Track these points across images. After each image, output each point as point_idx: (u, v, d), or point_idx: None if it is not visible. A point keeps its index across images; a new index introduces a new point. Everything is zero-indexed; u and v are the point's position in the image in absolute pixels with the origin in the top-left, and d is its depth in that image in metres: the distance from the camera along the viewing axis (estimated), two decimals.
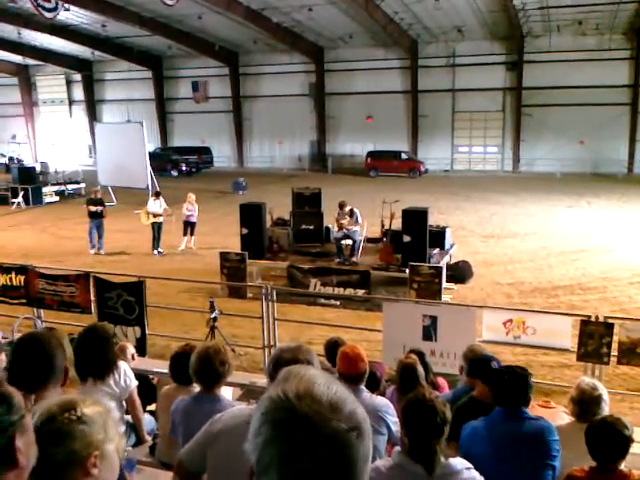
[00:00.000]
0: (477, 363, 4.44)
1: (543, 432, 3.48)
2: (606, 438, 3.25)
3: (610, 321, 6.61)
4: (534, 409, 4.47)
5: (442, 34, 35.82)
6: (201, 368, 3.52)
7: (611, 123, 34.41)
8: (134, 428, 4.60)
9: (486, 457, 2.90)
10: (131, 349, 5.37)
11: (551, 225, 19.66)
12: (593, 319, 6.64)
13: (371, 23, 32.61)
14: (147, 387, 5.34)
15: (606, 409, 4.00)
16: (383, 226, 13.24)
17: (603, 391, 4.08)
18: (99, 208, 16.31)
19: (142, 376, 5.24)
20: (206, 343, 4.59)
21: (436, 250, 12.72)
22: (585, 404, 3.98)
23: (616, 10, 29.65)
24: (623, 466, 3.28)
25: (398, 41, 36.22)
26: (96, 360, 3.96)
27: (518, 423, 3.48)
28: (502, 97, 37.83)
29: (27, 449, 1.29)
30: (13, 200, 25.99)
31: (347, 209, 13.22)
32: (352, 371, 3.89)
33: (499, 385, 3.64)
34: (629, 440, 3.27)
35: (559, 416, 4.45)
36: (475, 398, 4.16)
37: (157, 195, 16.64)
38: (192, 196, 16.64)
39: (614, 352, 6.52)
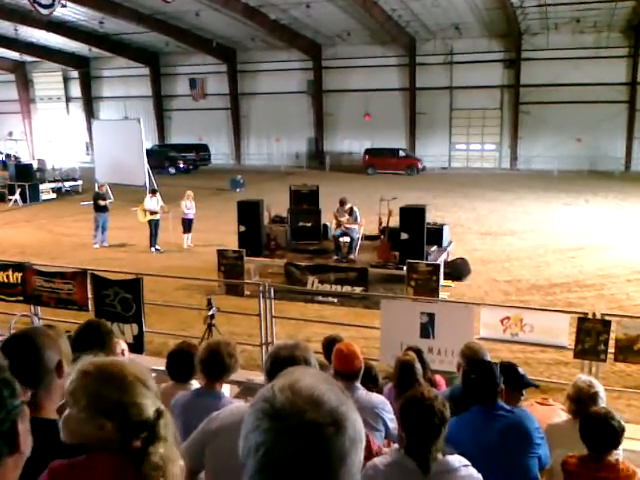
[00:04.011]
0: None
1: (523, 422, 3.48)
2: (598, 428, 3.35)
3: (607, 318, 6.61)
4: (532, 406, 4.48)
5: (440, 31, 35.82)
6: (209, 358, 3.52)
7: (608, 121, 34.45)
8: None
9: (472, 454, 2.90)
10: (122, 345, 5.29)
11: (549, 222, 19.69)
12: (590, 316, 6.65)
13: (369, 20, 32.62)
14: None
15: (602, 406, 4.01)
16: (381, 223, 13.24)
17: (599, 388, 4.09)
18: (107, 202, 17.17)
19: None
20: (216, 337, 4.58)
21: (434, 247, 12.74)
22: (582, 401, 3.99)
23: (614, 8, 29.69)
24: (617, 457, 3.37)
25: (396, 38, 36.21)
26: (93, 356, 3.93)
27: (498, 418, 3.47)
28: (500, 95, 37.85)
29: (25, 436, 1.32)
30: (10, 197, 25.93)
31: (347, 207, 13.21)
32: (347, 368, 3.89)
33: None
34: (619, 431, 3.38)
35: (557, 413, 4.45)
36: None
37: (154, 192, 16.70)
38: (190, 194, 16.65)
39: (611, 349, 6.53)
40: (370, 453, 3.18)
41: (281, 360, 2.66)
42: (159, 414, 1.84)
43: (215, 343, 3.66)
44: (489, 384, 3.54)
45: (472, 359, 4.18)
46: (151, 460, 1.76)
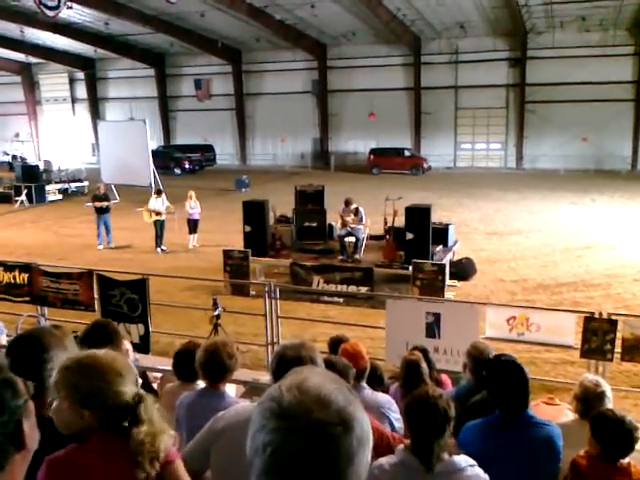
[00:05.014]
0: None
1: (554, 438, 3.38)
2: (614, 432, 3.27)
3: (614, 318, 6.60)
4: (538, 406, 4.47)
5: (445, 30, 35.76)
6: (208, 361, 3.49)
7: (615, 119, 34.31)
8: None
9: (492, 462, 2.88)
10: (126, 345, 5.28)
11: (555, 222, 19.63)
12: (597, 316, 6.63)
13: (374, 20, 32.59)
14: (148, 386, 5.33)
15: (609, 406, 3.99)
16: (386, 223, 13.24)
17: (606, 388, 4.07)
18: (104, 204, 16.75)
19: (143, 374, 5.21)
20: (212, 338, 4.58)
21: (439, 247, 12.72)
22: (588, 401, 3.97)
23: (620, 5, 29.54)
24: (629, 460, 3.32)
25: (401, 38, 36.17)
26: None
27: (527, 429, 3.37)
28: (505, 94, 37.75)
29: (31, 432, 1.35)
30: (16, 198, 26.03)
31: (352, 207, 13.20)
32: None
33: (499, 392, 3.45)
34: (635, 436, 3.29)
35: (564, 413, 4.44)
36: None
37: (159, 193, 16.70)
38: (192, 194, 16.65)
39: (618, 349, 6.51)
40: (389, 446, 3.16)
41: (287, 360, 2.66)
42: (139, 399, 2.01)
43: (212, 345, 3.59)
44: (522, 392, 3.40)
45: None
46: (135, 438, 1.94)
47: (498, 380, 3.47)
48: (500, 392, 3.44)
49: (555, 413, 4.38)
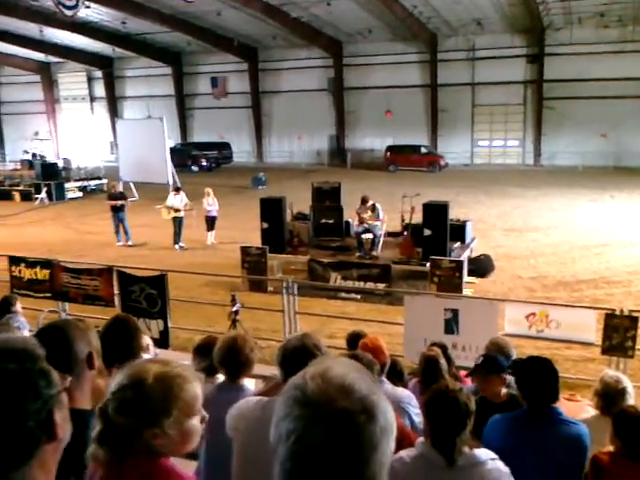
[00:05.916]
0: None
1: (582, 437, 3.35)
2: (638, 430, 3.25)
3: (635, 314, 6.55)
4: (560, 402, 4.45)
5: (462, 27, 35.52)
6: (228, 357, 3.46)
7: (634, 116, 33.87)
8: None
9: (516, 455, 2.86)
10: (147, 340, 5.33)
11: (574, 219, 19.46)
12: (618, 312, 6.58)
13: (390, 17, 32.51)
14: None
15: (631, 402, 3.97)
16: (403, 220, 13.20)
17: (627, 384, 4.05)
18: (119, 202, 16.80)
19: None
20: (229, 333, 4.60)
21: (457, 244, 12.67)
22: (609, 397, 3.96)
23: (639, 1, 29.17)
24: None
25: (417, 35, 36.04)
26: (121, 349, 3.97)
27: (554, 425, 3.34)
28: (523, 90, 37.44)
29: (63, 423, 1.35)
30: (37, 196, 26.35)
31: (369, 204, 13.18)
32: None
33: (528, 383, 3.44)
34: None
35: (584, 409, 4.43)
36: (485, 398, 4.08)
37: (177, 190, 16.81)
38: (209, 191, 16.72)
39: (639, 345, 6.46)
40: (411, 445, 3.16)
41: (291, 348, 2.67)
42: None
43: (231, 341, 3.52)
44: (552, 385, 3.41)
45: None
46: None
47: (528, 373, 3.47)
48: (530, 385, 3.43)
49: (576, 409, 4.36)
